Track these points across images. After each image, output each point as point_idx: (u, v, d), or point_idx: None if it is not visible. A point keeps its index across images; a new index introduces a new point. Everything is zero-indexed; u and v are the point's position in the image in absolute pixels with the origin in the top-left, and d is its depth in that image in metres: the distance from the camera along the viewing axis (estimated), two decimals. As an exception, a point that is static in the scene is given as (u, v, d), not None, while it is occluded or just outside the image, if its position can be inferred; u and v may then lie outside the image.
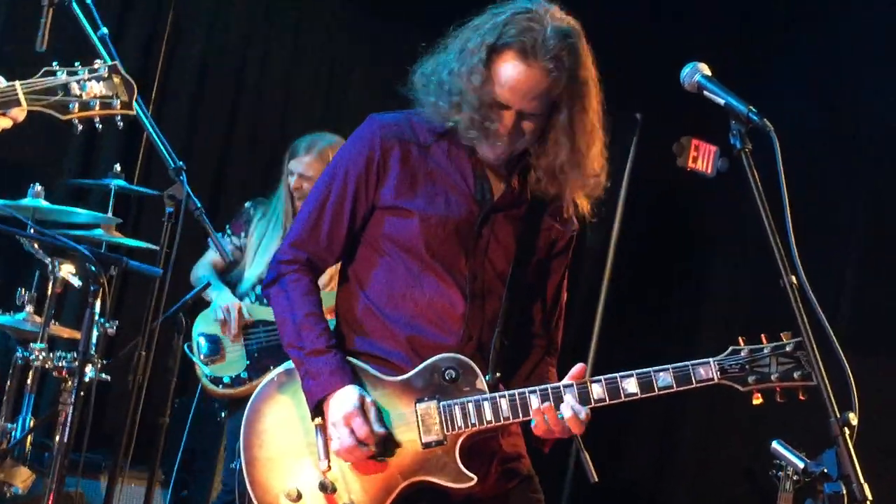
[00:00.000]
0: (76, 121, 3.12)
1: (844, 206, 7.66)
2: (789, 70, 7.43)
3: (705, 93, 2.67)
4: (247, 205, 5.61)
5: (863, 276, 7.43)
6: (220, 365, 5.22)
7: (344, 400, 2.93)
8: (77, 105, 3.08)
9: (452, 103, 2.97)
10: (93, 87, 3.09)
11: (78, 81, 3.07)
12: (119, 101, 3.14)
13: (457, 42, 3.02)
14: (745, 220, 7.85)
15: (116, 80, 3.12)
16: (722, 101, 2.62)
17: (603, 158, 3.08)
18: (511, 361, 3.10)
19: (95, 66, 3.12)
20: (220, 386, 5.18)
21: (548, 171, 3.05)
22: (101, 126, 3.16)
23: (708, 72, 2.70)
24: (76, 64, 3.12)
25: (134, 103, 3.17)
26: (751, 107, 2.57)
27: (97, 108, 3.11)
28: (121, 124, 3.20)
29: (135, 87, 3.15)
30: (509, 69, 2.92)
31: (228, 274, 5.49)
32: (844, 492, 2.38)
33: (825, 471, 2.46)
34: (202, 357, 5.20)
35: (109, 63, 3.15)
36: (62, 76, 3.07)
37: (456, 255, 3.03)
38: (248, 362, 5.20)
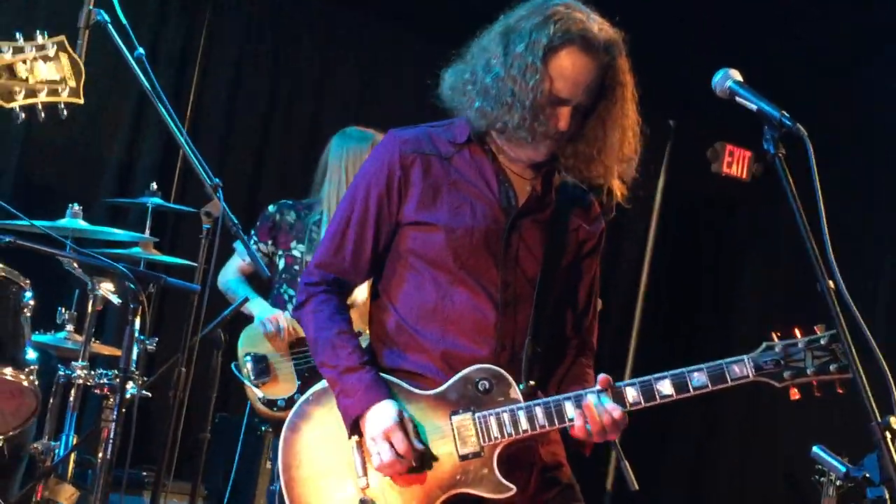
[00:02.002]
0: (18, 108, 2.88)
1: (879, 212, 7.62)
2: (821, 71, 7.40)
3: (737, 98, 2.66)
4: (271, 209, 5.44)
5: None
6: (272, 387, 5.17)
7: (382, 415, 2.93)
8: (24, 91, 2.84)
9: (504, 103, 2.96)
10: (40, 69, 2.86)
11: (24, 61, 2.83)
12: (68, 88, 2.91)
13: (489, 48, 3.02)
14: (779, 223, 7.82)
15: (64, 59, 2.89)
16: (754, 107, 2.61)
17: (637, 143, 3.10)
18: (545, 367, 3.09)
19: (41, 43, 2.88)
20: (275, 409, 5.11)
21: (585, 156, 3.06)
22: (42, 115, 2.92)
23: (739, 77, 2.69)
24: (17, 36, 2.87)
25: (81, 91, 2.92)
26: (783, 111, 2.56)
27: (44, 94, 2.88)
28: (64, 113, 2.95)
29: (83, 68, 2.93)
30: (571, 63, 2.94)
31: (274, 285, 5.41)
32: (888, 496, 2.36)
33: (867, 475, 2.45)
34: (253, 380, 5.16)
35: (57, 38, 2.91)
36: (7, 54, 2.83)
37: (486, 265, 3.02)
38: (299, 383, 5.15)
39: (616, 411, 2.87)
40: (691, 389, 2.87)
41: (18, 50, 2.84)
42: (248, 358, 5.18)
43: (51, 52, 2.86)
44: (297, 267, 5.31)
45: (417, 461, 2.93)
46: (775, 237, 8.11)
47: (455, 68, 3.10)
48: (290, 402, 5.06)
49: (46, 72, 2.86)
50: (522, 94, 2.93)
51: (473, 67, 3.04)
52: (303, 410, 3.11)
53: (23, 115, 2.88)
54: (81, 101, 2.93)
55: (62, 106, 2.93)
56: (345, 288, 3.16)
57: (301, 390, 5.06)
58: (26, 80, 2.84)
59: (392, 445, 2.91)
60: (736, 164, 8.10)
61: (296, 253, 5.32)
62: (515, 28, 2.99)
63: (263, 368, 5.16)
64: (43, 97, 2.87)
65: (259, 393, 5.12)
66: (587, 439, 2.94)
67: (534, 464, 3.07)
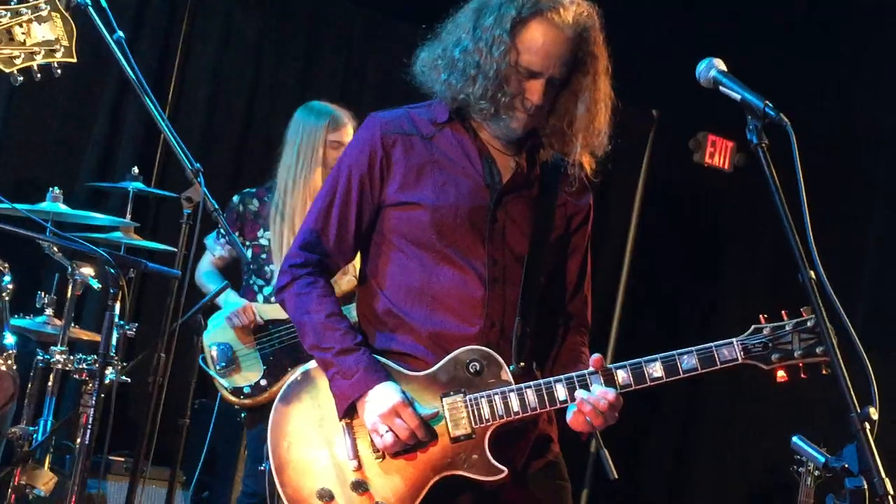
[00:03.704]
0: (16, 72, 2.86)
1: (859, 203, 7.64)
2: (804, 64, 7.41)
3: (721, 88, 2.66)
4: (234, 199, 5.31)
5: (879, 273, 7.40)
6: (237, 375, 5.13)
7: (386, 395, 2.93)
8: (22, 55, 2.83)
9: (468, 76, 2.99)
10: (36, 31, 2.84)
11: (21, 24, 2.82)
12: (62, 48, 2.89)
13: (462, 24, 3.06)
14: (762, 213, 7.83)
15: (57, 18, 2.87)
16: (738, 97, 2.61)
17: (609, 115, 3.09)
18: (536, 346, 3.09)
19: (35, 3, 2.86)
20: (241, 396, 5.04)
21: (556, 130, 3.07)
22: (39, 76, 2.89)
23: (724, 67, 2.69)
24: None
25: (74, 50, 2.90)
26: (767, 101, 2.56)
27: (41, 56, 2.86)
28: (58, 72, 2.93)
29: (74, 27, 2.91)
30: (541, 35, 2.95)
31: (243, 276, 5.37)
32: (866, 486, 2.37)
33: (846, 466, 2.45)
34: (218, 369, 5.11)
35: None
36: (5, 18, 2.82)
37: (472, 242, 3.03)
38: (265, 368, 5.09)
39: (610, 394, 2.88)
40: (681, 372, 2.89)
41: (15, 13, 2.83)
42: (213, 345, 5.12)
43: (44, 12, 2.86)
44: (264, 256, 5.22)
45: (425, 438, 2.93)
46: (757, 228, 8.13)
47: (429, 46, 3.13)
48: (255, 388, 5.02)
49: (42, 33, 2.85)
50: (487, 65, 2.96)
51: (445, 43, 3.08)
52: (290, 393, 3.10)
53: (20, 78, 2.87)
54: (75, 60, 2.91)
55: (56, 65, 2.92)
56: (329, 270, 3.17)
57: (266, 375, 5.04)
58: (24, 42, 2.83)
59: (404, 421, 2.90)
60: (718, 154, 8.11)
61: (263, 241, 5.20)
62: (487, 3, 3.02)
63: (229, 357, 5.11)
64: (40, 59, 2.86)
65: (224, 382, 5.08)
66: (588, 430, 2.95)
67: (527, 443, 3.08)
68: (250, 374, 5.09)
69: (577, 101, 3.04)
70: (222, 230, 5.14)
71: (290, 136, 5.31)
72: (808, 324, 2.81)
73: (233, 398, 5.09)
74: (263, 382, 5.03)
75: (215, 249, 5.35)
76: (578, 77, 3.03)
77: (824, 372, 2.76)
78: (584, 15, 3.00)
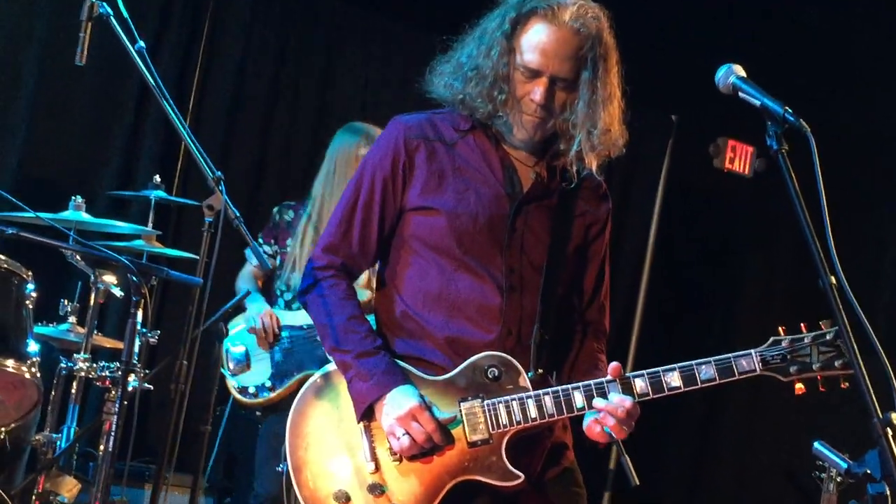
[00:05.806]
0: None
1: (879, 208, 7.61)
2: (823, 69, 7.38)
3: (740, 94, 2.66)
4: (273, 211, 5.51)
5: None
6: (245, 374, 5.20)
7: (404, 398, 2.95)
8: None
9: (468, 78, 3.02)
10: None
11: None
12: None
13: (473, 33, 3.10)
14: (782, 219, 7.81)
15: None
16: (757, 103, 2.61)
17: (619, 121, 3.09)
18: (554, 354, 3.10)
19: None
20: (247, 396, 5.15)
21: (563, 131, 3.06)
22: None
23: (743, 73, 2.69)
24: None
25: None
26: (787, 107, 2.56)
27: None
28: None
29: None
30: (537, 33, 2.98)
31: (273, 283, 5.44)
32: (889, 492, 2.37)
33: (868, 472, 2.46)
34: (230, 368, 5.21)
35: None
36: None
37: (490, 250, 3.04)
38: (272, 371, 5.18)
39: (627, 402, 2.90)
40: (699, 382, 2.90)
41: None
42: (227, 348, 5.23)
43: None
44: (289, 263, 5.34)
45: (442, 442, 2.94)
46: (777, 233, 8.11)
47: (445, 57, 3.16)
48: (260, 388, 5.14)
49: None
50: (484, 66, 3.00)
51: (456, 53, 3.12)
52: (309, 394, 3.13)
53: None
54: None
55: None
56: (352, 273, 3.19)
57: (272, 378, 5.12)
58: None
59: (421, 425, 2.91)
60: (738, 159, 8.09)
61: (289, 249, 5.35)
62: (494, 11, 3.07)
63: (242, 358, 5.20)
64: None
65: (233, 380, 5.17)
66: (605, 440, 2.96)
67: (542, 450, 3.09)
68: (258, 376, 5.17)
69: (581, 99, 3.02)
70: (261, 239, 5.34)
71: (329, 153, 5.47)
72: (827, 337, 2.82)
73: (239, 396, 5.20)
74: (268, 384, 5.13)
75: (254, 259, 5.42)
76: (584, 76, 3.02)
77: (843, 385, 2.76)
78: (587, 15, 3.00)
